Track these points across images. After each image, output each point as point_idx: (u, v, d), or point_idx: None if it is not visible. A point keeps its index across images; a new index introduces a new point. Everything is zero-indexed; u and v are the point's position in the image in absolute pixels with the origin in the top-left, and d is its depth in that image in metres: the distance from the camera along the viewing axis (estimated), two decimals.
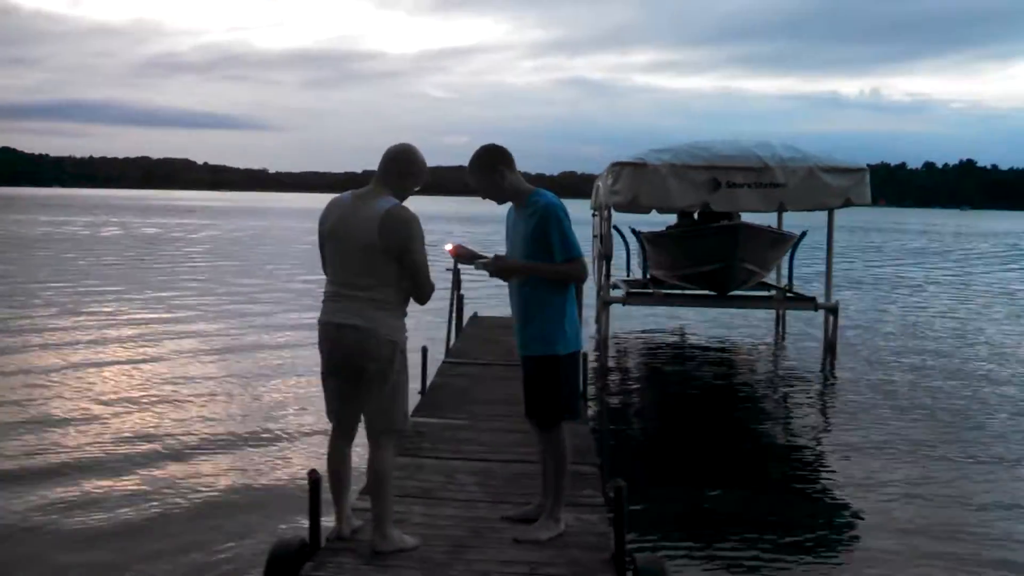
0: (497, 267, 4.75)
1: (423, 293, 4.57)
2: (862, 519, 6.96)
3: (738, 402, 11.51)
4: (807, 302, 13.99)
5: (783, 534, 6.57)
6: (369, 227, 4.36)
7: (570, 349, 4.79)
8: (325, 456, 4.73)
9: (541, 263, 4.68)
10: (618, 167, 12.98)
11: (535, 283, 4.75)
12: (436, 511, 5.21)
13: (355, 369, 4.44)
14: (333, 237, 4.50)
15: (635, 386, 12.63)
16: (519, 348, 4.92)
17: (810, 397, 11.76)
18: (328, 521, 4.75)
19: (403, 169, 4.56)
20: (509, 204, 4.94)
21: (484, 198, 4.89)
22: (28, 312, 17.28)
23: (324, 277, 4.64)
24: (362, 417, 4.61)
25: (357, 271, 4.43)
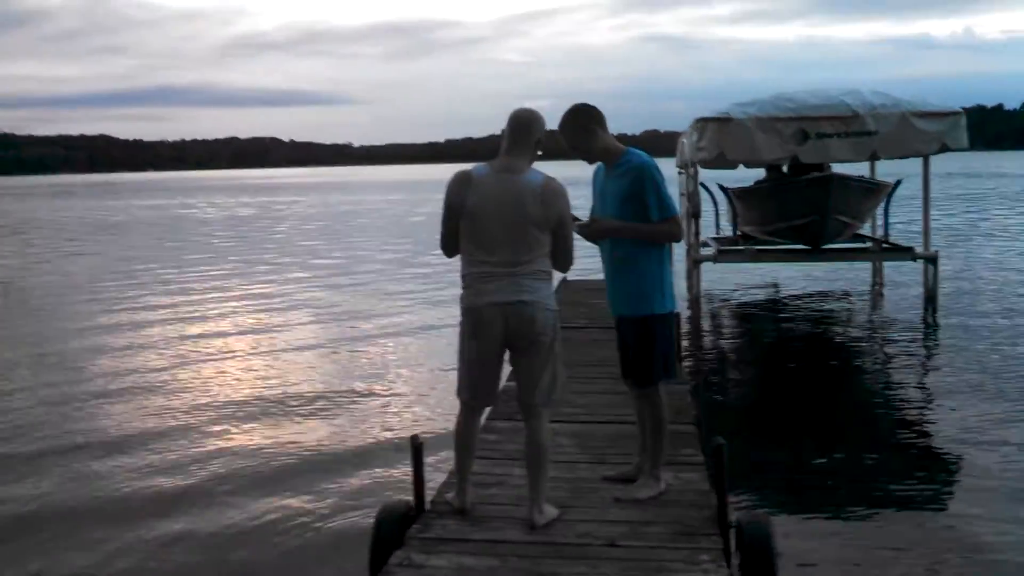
0: (594, 229, 4.71)
1: (569, 262, 4.63)
2: (970, 474, 6.77)
3: (836, 357, 11.31)
4: (904, 252, 13.63)
5: (887, 489, 6.43)
6: (531, 200, 4.34)
7: (666, 308, 4.78)
8: (453, 427, 4.75)
9: (638, 223, 4.63)
10: (702, 123, 12.80)
11: (628, 243, 4.71)
12: (545, 476, 5.26)
13: (528, 344, 4.44)
14: (481, 214, 4.37)
15: (730, 344, 12.50)
16: (612, 309, 4.90)
17: (911, 349, 11.45)
18: (431, 485, 4.87)
19: (538, 137, 4.52)
20: (597, 164, 4.90)
21: (575, 157, 4.81)
22: (145, 289, 17.97)
23: (439, 252, 4.61)
24: (520, 392, 4.60)
25: (517, 246, 4.36)
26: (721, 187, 15.71)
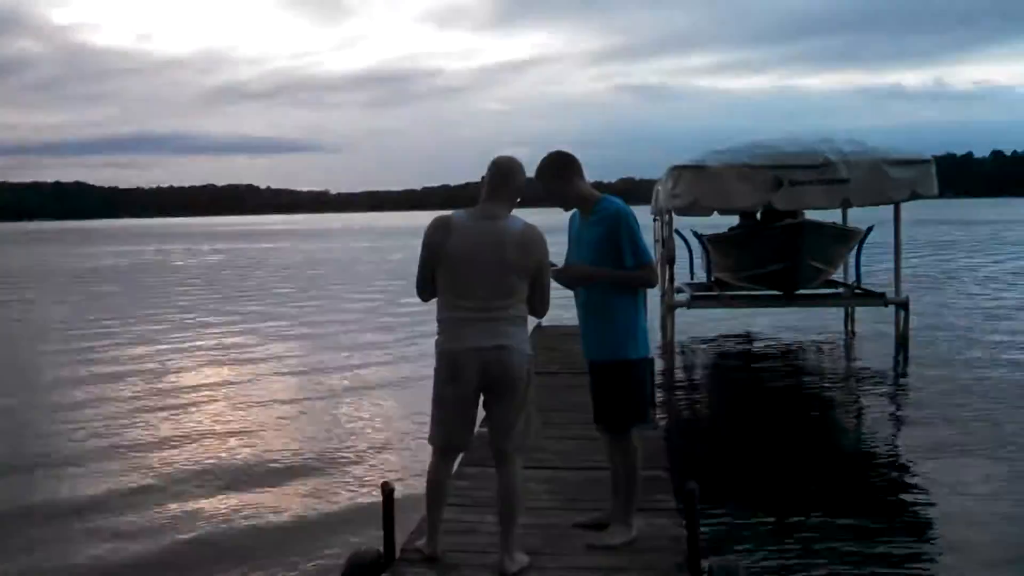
0: (568, 275, 4.73)
1: (546, 308, 4.65)
2: (944, 523, 6.75)
3: (809, 404, 11.33)
4: (876, 298, 13.73)
5: (859, 538, 6.39)
6: (510, 247, 4.36)
7: (640, 354, 4.76)
8: (426, 475, 4.69)
9: (612, 269, 4.64)
10: (678, 170, 12.90)
11: (603, 288, 4.72)
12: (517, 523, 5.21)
13: (504, 389, 4.43)
14: (461, 260, 4.37)
15: (703, 390, 12.52)
16: (586, 353, 4.88)
17: (883, 396, 11.52)
18: (401, 533, 4.81)
19: (519, 184, 4.55)
20: (572, 211, 4.92)
21: (551, 205, 4.85)
22: (112, 339, 17.75)
23: (411, 299, 4.64)
24: (493, 437, 4.57)
25: (496, 291, 4.37)
26: (695, 234, 15.81)
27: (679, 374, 13.04)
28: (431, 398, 4.60)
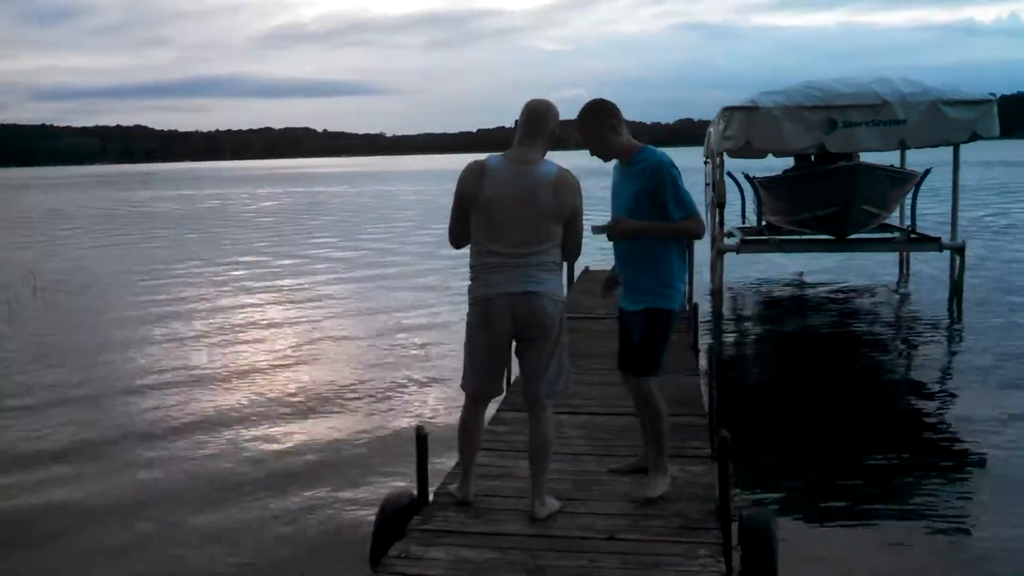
0: (618, 229, 4.64)
1: (578, 253, 4.71)
2: (986, 472, 6.67)
3: (859, 350, 11.17)
4: (931, 243, 13.41)
5: (901, 489, 6.31)
6: (544, 192, 4.33)
7: (669, 306, 4.71)
8: (459, 420, 4.76)
9: (659, 223, 4.58)
10: (729, 112, 12.67)
11: (643, 240, 4.66)
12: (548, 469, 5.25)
13: (536, 335, 4.44)
14: (495, 205, 4.35)
15: (750, 336, 12.41)
16: (621, 301, 4.85)
17: (935, 343, 11.31)
18: (435, 477, 4.88)
19: (553, 128, 4.50)
20: (614, 162, 4.83)
21: (591, 154, 4.81)
22: (175, 280, 18.13)
23: (448, 241, 4.63)
24: (525, 383, 4.60)
25: (530, 236, 4.35)
26: (747, 176, 15.57)
27: (727, 319, 12.93)
28: (464, 343, 4.64)
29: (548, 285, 4.43)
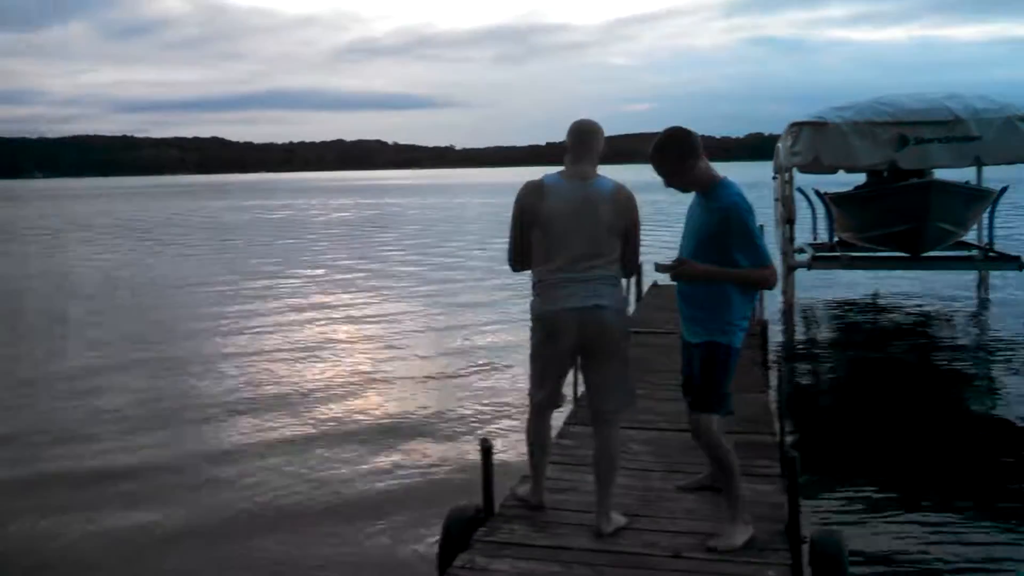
0: (682, 272, 4.35)
1: (635, 267, 4.76)
2: None
3: (934, 372, 10.91)
4: (1011, 261, 13.09)
5: (972, 515, 6.16)
6: (604, 206, 4.40)
7: (735, 343, 4.43)
8: (525, 430, 4.84)
9: (730, 269, 4.29)
10: (797, 127, 12.57)
11: (705, 283, 4.40)
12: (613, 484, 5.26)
13: (601, 349, 4.48)
14: (559, 220, 4.40)
15: (821, 354, 12.22)
16: (684, 332, 4.61)
17: (1015, 367, 11.00)
18: (500, 490, 4.92)
19: (601, 145, 4.57)
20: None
21: (667, 185, 4.45)
22: (246, 289, 18.51)
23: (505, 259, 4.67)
24: (591, 398, 4.64)
25: (591, 250, 4.39)
26: (818, 192, 15.37)
27: (797, 337, 12.76)
28: (530, 356, 4.69)
29: (612, 299, 4.47)
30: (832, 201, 14.76)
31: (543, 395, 4.70)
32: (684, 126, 4.42)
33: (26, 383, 10.67)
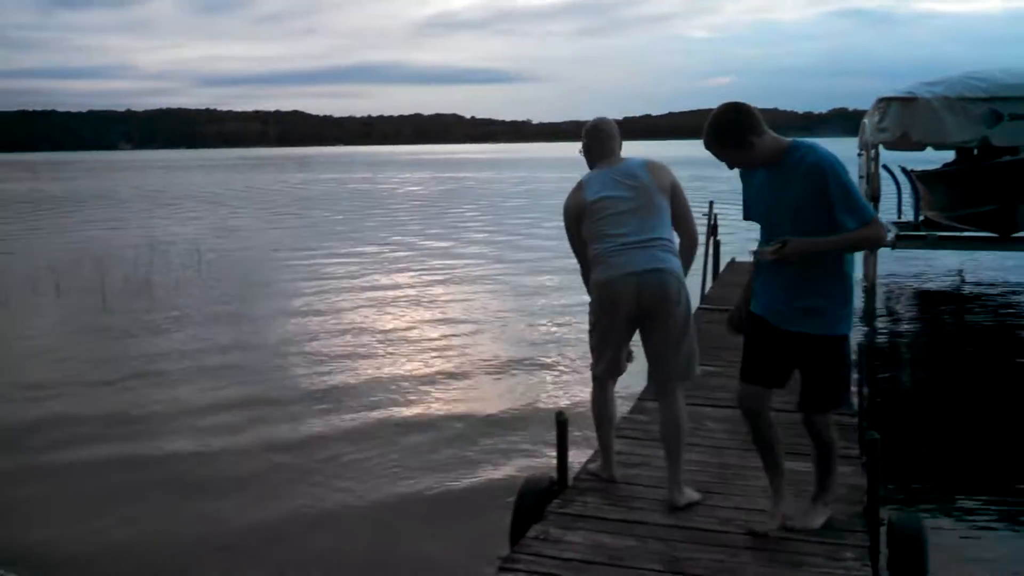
0: (789, 251, 3.83)
1: (692, 226, 4.77)
2: None
3: (1019, 357, 10.58)
4: None
5: None
6: (641, 172, 4.60)
7: (850, 330, 4.10)
8: (590, 402, 4.87)
9: (834, 237, 3.81)
10: (884, 102, 12.23)
11: (815, 257, 3.91)
12: (683, 455, 5.23)
13: (662, 314, 4.50)
14: (603, 199, 4.56)
15: (904, 335, 11.93)
16: (782, 320, 4.03)
17: None
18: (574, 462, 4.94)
19: (619, 145, 4.79)
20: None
21: (732, 167, 4.05)
22: (330, 258, 18.81)
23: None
24: (655, 367, 4.65)
25: (645, 216, 4.51)
26: (904, 170, 14.97)
27: (879, 316, 12.49)
28: (589, 329, 4.75)
29: (672, 264, 4.52)
30: (919, 179, 14.38)
31: (603, 366, 4.74)
32: (734, 101, 3.98)
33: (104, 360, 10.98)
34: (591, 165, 4.77)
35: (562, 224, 4.79)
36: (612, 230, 4.53)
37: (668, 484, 4.57)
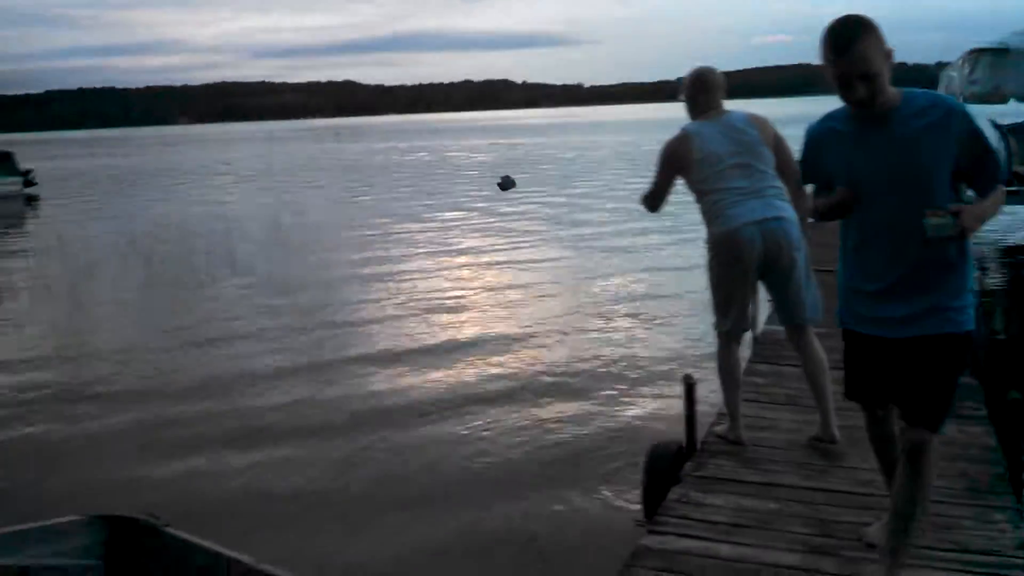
0: (968, 219, 2.95)
1: (797, 172, 4.60)
2: None
3: None
4: None
5: None
6: (744, 124, 4.63)
7: (973, 326, 3.23)
8: (717, 363, 4.80)
9: (995, 197, 3.10)
10: (976, 54, 11.87)
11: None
12: (806, 418, 5.17)
13: (787, 260, 4.52)
14: (713, 151, 4.55)
15: (1001, 295, 11.64)
16: (892, 326, 3.21)
17: None
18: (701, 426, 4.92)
19: (723, 93, 4.79)
20: (814, 123, 3.34)
21: (849, 99, 3.03)
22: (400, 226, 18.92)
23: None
24: (785, 313, 4.71)
25: (753, 166, 4.54)
26: (994, 124, 14.53)
27: (985, 275, 12.18)
28: (711, 286, 4.72)
29: (788, 211, 4.56)
30: (1011, 133, 13.95)
31: (731, 322, 4.71)
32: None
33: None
34: (693, 115, 4.74)
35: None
36: (727, 183, 4.53)
37: (821, 422, 4.68)
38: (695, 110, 4.73)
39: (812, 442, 4.70)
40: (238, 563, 3.25)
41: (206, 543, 3.42)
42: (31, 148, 67.71)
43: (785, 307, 4.67)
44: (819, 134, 3.29)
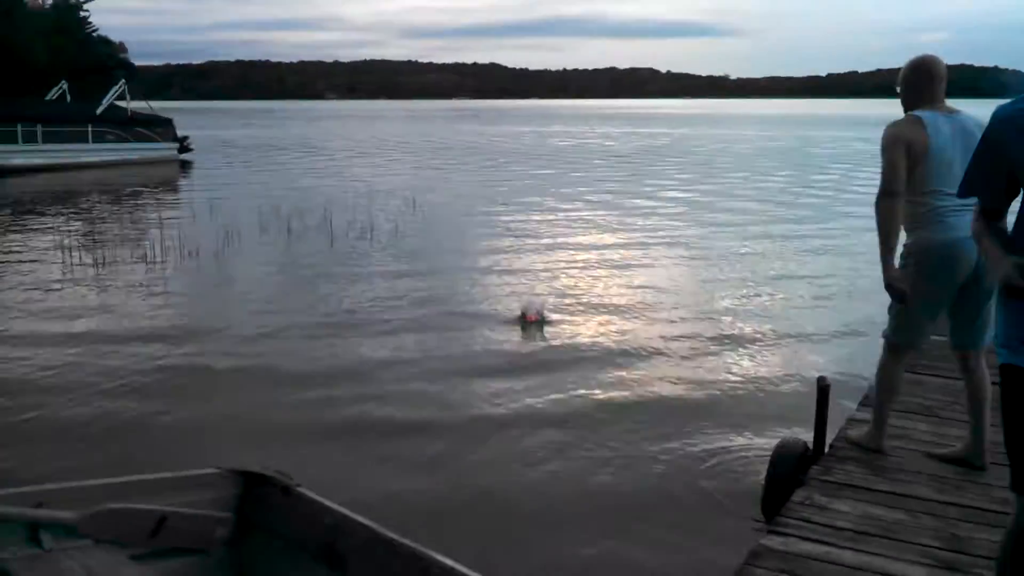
0: None
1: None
2: None
3: None
4: None
5: None
6: (976, 132, 4.27)
7: None
8: (879, 370, 4.69)
9: None
10: None
11: None
12: (941, 430, 5.02)
13: (984, 282, 4.34)
14: (945, 152, 4.29)
15: None
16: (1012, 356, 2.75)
17: None
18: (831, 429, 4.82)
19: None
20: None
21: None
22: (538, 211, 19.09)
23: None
24: (963, 335, 4.53)
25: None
26: None
27: None
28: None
29: None
30: None
31: (910, 335, 4.56)
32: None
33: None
34: (912, 106, 4.43)
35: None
36: (951, 188, 4.18)
37: (972, 444, 4.54)
38: (918, 100, 4.43)
39: (952, 461, 4.54)
40: (365, 527, 3.31)
41: (335, 505, 3.48)
42: (189, 116, 70.67)
43: (971, 329, 4.46)
44: (1012, 115, 2.71)
